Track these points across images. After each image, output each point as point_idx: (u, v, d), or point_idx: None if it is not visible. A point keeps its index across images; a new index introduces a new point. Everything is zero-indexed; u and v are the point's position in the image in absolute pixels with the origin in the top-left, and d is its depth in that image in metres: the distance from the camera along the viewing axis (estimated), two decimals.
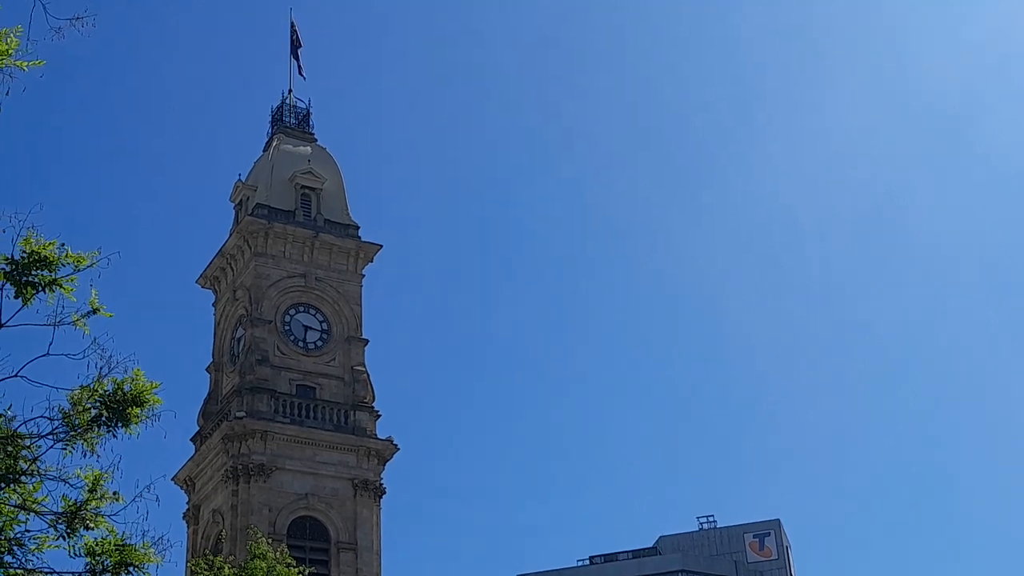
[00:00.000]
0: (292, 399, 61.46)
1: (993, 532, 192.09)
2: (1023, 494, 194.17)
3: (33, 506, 20.03)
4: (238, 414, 59.67)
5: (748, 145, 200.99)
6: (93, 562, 20.22)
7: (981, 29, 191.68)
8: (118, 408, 20.16)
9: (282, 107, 72.11)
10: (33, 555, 20.09)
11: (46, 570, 20.18)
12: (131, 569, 20.31)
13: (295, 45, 72.49)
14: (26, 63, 19.50)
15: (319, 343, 64.16)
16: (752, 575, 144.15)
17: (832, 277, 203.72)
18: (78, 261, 19.68)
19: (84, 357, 20.10)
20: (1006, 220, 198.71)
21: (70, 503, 20.12)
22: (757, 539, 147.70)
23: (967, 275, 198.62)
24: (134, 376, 20.37)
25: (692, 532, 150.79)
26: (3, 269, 19.43)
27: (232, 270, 66.65)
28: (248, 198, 67.69)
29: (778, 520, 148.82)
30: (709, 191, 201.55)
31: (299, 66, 72.17)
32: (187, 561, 53.82)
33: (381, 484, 61.42)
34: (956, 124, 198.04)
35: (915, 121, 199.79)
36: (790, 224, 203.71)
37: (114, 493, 20.34)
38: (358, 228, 67.88)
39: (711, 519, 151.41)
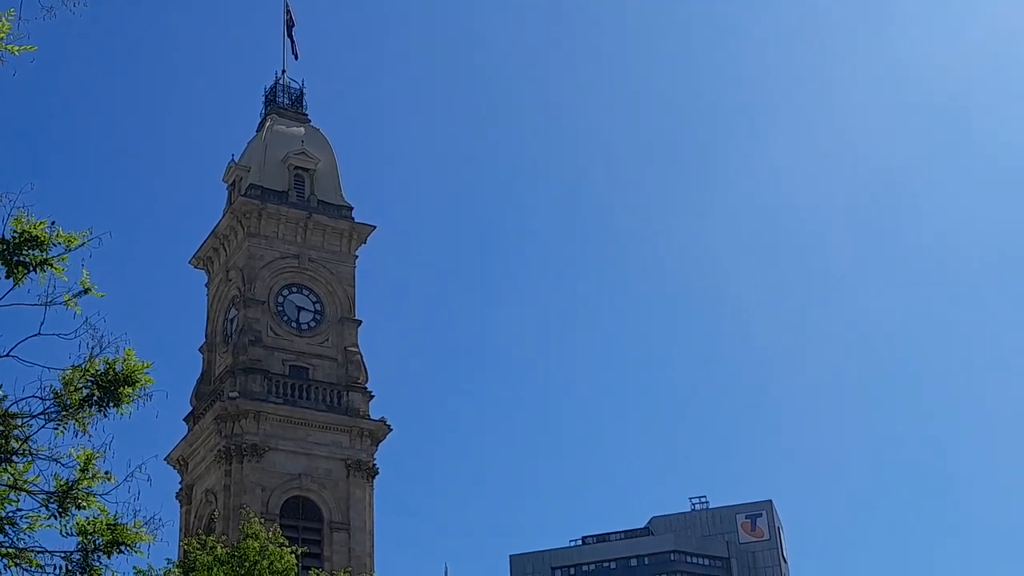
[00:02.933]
0: (285, 379, 61.49)
1: (986, 514, 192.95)
2: (1015, 472, 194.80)
3: (24, 486, 20.02)
4: (231, 394, 59.69)
5: (751, 143, 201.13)
6: (85, 541, 20.22)
7: (984, 25, 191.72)
8: (110, 388, 20.13)
9: (275, 87, 71.89)
10: (25, 534, 20.09)
11: (37, 549, 20.20)
12: (123, 548, 20.31)
13: (289, 25, 72.24)
14: (16, 47, 19.40)
15: (312, 324, 64.14)
16: (744, 555, 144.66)
17: (830, 267, 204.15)
18: (69, 241, 19.60)
19: (76, 337, 20.06)
20: (1010, 215, 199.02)
21: (62, 483, 20.11)
22: (749, 520, 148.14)
23: (968, 268, 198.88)
24: (126, 356, 20.34)
25: (684, 513, 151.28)
26: None
27: (225, 250, 66.58)
28: (241, 178, 67.56)
29: (770, 501, 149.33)
30: (710, 185, 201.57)
31: (293, 46, 71.94)
32: (180, 540, 53.98)
33: (374, 464, 61.51)
34: (960, 119, 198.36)
35: (919, 117, 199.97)
36: (792, 219, 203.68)
37: (106, 473, 20.32)
38: (351, 209, 67.80)
39: (703, 500, 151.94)
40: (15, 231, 19.37)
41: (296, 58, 72.23)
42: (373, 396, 63.22)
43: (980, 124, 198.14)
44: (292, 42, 72.00)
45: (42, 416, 20.08)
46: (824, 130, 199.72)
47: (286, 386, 61.34)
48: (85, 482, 20.11)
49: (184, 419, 64.42)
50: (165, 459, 63.51)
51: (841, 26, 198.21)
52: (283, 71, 72.27)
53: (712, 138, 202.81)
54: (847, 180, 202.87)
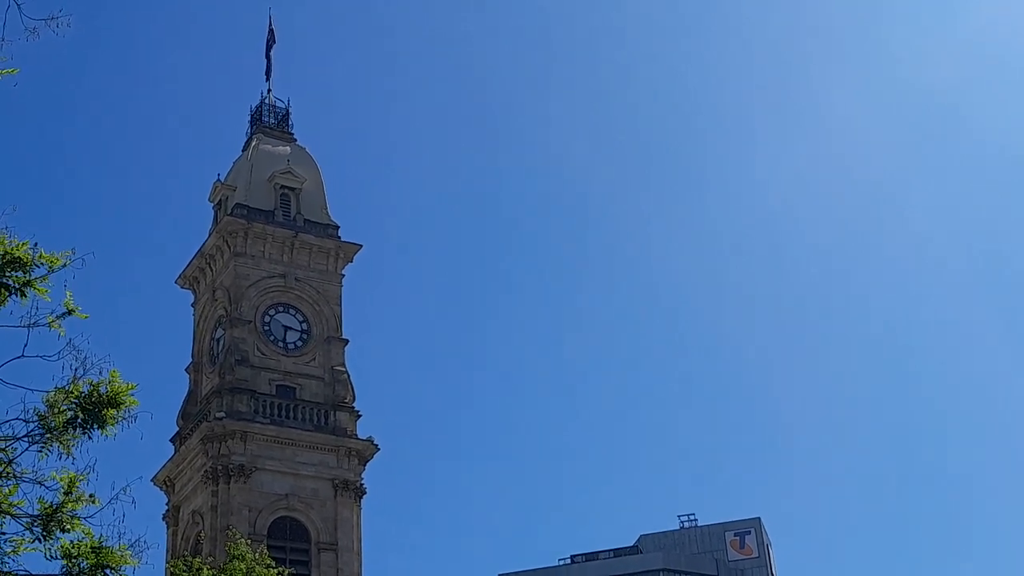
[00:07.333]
0: (272, 399, 61.28)
1: (974, 530, 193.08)
2: (1001, 493, 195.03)
3: (9, 509, 19.88)
4: (218, 415, 59.47)
5: (743, 142, 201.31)
6: (69, 565, 20.08)
7: (974, 22, 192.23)
8: (94, 410, 20.01)
9: (261, 107, 71.87)
10: (9, 558, 19.96)
11: (22, 573, 20.06)
12: (107, 571, 20.16)
13: (269, 44, 72.25)
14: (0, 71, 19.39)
15: (299, 343, 64.00)
16: (733, 573, 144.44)
17: (825, 280, 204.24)
18: (52, 262, 19.51)
19: (59, 359, 19.95)
20: (1001, 212, 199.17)
21: (46, 505, 19.97)
22: (738, 537, 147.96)
23: (961, 271, 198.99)
24: (110, 378, 20.22)
25: (673, 531, 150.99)
26: None
27: (211, 270, 66.44)
28: (227, 198, 67.47)
29: (758, 518, 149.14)
30: (701, 188, 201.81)
31: (268, 65, 71.90)
32: (166, 562, 53.64)
33: (362, 484, 61.31)
34: (950, 117, 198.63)
35: (909, 116, 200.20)
36: (784, 224, 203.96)
37: (90, 495, 20.19)
38: (338, 228, 67.74)
39: (692, 518, 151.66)
40: None
41: (268, 78, 72.21)
42: (360, 415, 63.08)
43: (973, 121, 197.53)
44: (268, 61, 72.00)
45: (26, 439, 19.95)
46: (816, 129, 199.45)
47: (273, 406, 61.14)
48: (69, 505, 19.98)
49: (170, 440, 64.16)
50: (152, 480, 63.22)
51: (832, 25, 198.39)
52: (269, 90, 72.34)
53: (704, 136, 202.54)
54: (841, 179, 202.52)
